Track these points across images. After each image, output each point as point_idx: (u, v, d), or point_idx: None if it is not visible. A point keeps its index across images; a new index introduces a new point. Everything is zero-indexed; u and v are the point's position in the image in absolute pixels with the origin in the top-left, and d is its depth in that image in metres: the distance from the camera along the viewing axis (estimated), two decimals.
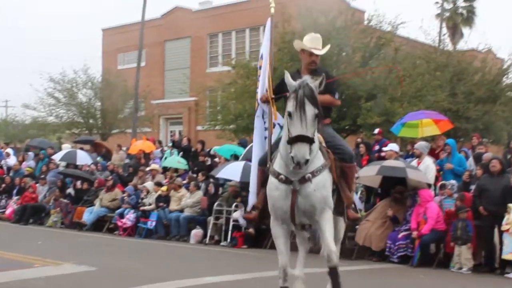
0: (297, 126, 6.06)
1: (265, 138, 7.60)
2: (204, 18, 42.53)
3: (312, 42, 7.34)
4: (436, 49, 32.21)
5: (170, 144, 22.24)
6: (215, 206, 15.51)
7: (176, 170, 18.58)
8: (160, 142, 22.30)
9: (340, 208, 7.05)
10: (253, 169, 7.71)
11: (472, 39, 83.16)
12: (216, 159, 18.47)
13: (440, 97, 24.28)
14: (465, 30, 52.10)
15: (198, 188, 16.65)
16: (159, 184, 17.67)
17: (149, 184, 17.98)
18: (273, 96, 7.39)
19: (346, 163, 7.10)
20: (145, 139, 23.04)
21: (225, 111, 26.90)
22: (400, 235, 12.60)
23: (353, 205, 7.29)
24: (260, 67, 7.90)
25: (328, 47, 7.52)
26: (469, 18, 51.98)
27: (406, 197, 13.03)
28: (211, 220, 15.54)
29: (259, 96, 7.62)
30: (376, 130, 17.56)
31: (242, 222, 14.86)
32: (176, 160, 19.01)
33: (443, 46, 36.41)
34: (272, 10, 7.82)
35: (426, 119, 15.99)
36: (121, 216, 17.53)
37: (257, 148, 7.75)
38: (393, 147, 14.26)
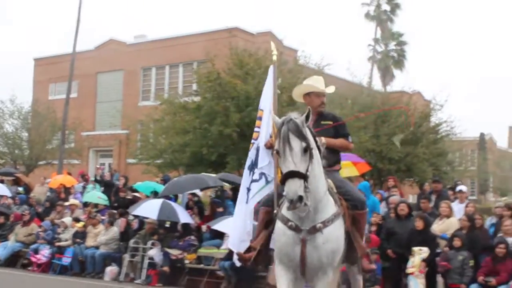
0: (286, 163, 5.71)
1: (266, 181, 7.30)
2: (138, 51, 42.58)
3: (320, 84, 7.18)
4: (362, 90, 33.02)
5: (93, 179, 21.95)
6: (131, 243, 15.40)
7: (96, 205, 18.38)
8: (83, 176, 21.95)
9: (352, 257, 6.74)
10: (240, 209, 7.52)
11: (403, 81, 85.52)
12: (138, 195, 18.37)
13: (363, 138, 24.88)
14: (396, 72, 53.93)
15: (112, 224, 16.47)
16: (76, 220, 17.42)
17: (67, 219, 17.71)
18: None
19: (358, 210, 6.70)
20: (66, 173, 22.78)
21: (149, 146, 26.86)
22: None
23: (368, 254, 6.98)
24: (260, 118, 7.58)
25: (333, 87, 7.33)
26: (399, 61, 53.67)
27: None
28: (126, 257, 15.41)
29: (262, 143, 7.27)
30: None
31: (157, 259, 14.81)
32: (97, 195, 18.79)
33: (369, 86, 37.44)
34: (274, 58, 7.66)
35: (345, 161, 16.34)
36: (36, 251, 17.16)
37: (241, 195, 7.53)
38: None
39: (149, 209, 15.08)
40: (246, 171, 7.55)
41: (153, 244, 15.06)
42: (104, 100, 44.48)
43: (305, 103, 7.17)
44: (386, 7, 52.31)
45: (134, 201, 17.72)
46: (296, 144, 5.72)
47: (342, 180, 7.01)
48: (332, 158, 6.88)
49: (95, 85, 44.93)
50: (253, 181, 7.41)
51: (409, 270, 11.82)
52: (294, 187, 5.55)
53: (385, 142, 26.91)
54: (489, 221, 13.88)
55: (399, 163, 27.42)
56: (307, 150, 5.76)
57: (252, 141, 7.55)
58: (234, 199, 16.46)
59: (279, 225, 6.23)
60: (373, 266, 7.10)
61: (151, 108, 31.58)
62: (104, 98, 44.52)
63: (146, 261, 14.97)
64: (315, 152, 6.00)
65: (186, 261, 14.92)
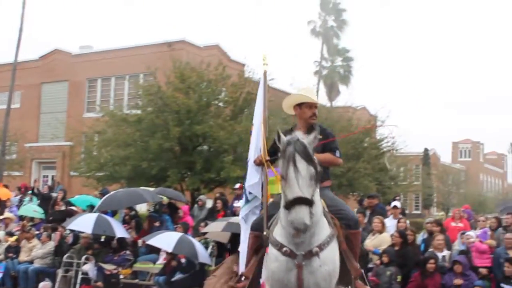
0: (292, 187, 5.29)
1: (246, 199, 7.28)
2: (84, 62, 42.06)
3: (311, 94, 6.82)
4: None
5: (30, 192, 21.56)
6: (64, 258, 15.13)
7: (32, 219, 18.04)
8: (19, 189, 21.55)
9: (345, 279, 6.35)
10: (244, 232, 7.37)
11: (349, 96, 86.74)
12: (74, 208, 18.12)
13: None
14: (342, 88, 54.59)
15: (50, 238, 16.18)
16: (10, 234, 17.05)
17: (0, 233, 17.32)
18: (267, 158, 6.78)
19: (351, 229, 6.41)
20: (1, 185, 22.29)
21: (89, 158, 26.55)
22: None
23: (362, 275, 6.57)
24: (250, 132, 7.37)
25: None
26: (346, 76, 54.34)
27: None
28: (60, 272, 15.14)
29: (251, 160, 7.08)
30: (237, 185, 17.86)
31: (91, 275, 14.59)
32: (32, 209, 18.46)
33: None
34: (265, 68, 7.37)
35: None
36: None
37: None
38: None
39: (83, 223, 14.83)
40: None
41: (87, 258, 14.82)
42: (48, 111, 43.69)
43: (295, 115, 6.87)
44: (332, 23, 53.00)
45: (71, 214, 17.48)
46: (303, 167, 5.35)
47: (333, 198, 6.68)
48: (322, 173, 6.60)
49: (39, 95, 44.13)
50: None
51: None
52: (301, 215, 5.22)
53: None
54: (421, 236, 14.14)
55: (341, 178, 27.74)
56: (314, 174, 5.42)
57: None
58: (170, 213, 16.44)
59: (272, 250, 5.89)
60: (367, 287, 6.65)
61: (96, 120, 31.32)
62: (48, 109, 43.76)
63: (80, 276, 14.73)
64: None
65: (121, 276, 14.74)
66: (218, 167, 22.92)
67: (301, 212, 5.20)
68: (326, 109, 39.29)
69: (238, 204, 14.70)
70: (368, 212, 15.35)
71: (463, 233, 13.18)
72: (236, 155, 22.90)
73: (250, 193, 7.21)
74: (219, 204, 16.16)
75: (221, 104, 25.46)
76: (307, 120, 6.66)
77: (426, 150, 70.87)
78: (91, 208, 16.94)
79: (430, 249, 12.53)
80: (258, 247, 6.43)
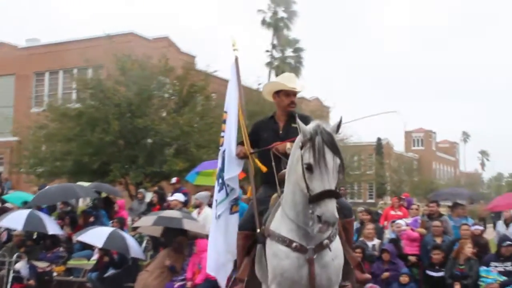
0: (319, 179, 5.04)
1: (226, 193, 6.85)
2: (31, 55, 41.36)
3: (290, 81, 6.53)
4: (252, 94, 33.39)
5: None
6: None
7: None
8: None
9: (345, 270, 5.97)
10: (212, 225, 7.02)
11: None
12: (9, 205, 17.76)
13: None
14: None
15: None
16: None
17: None
18: (251, 151, 6.51)
19: (347, 218, 6.18)
20: None
21: (30, 154, 26.08)
22: (176, 285, 12.64)
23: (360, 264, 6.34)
24: (225, 121, 6.96)
25: (303, 84, 6.86)
26: (296, 67, 54.36)
27: (185, 246, 13.15)
28: None
29: (234, 153, 6.68)
30: (174, 179, 17.74)
31: (24, 273, 14.31)
32: None
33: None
34: (236, 53, 7.11)
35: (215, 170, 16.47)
36: None
37: (213, 209, 7.03)
38: (178, 197, 14.39)
39: (14, 220, 14.46)
40: (216, 181, 7.05)
41: (19, 256, 14.51)
42: None
43: (274, 102, 6.65)
44: (282, 14, 53.00)
45: (4, 212, 17.12)
46: (331, 159, 5.09)
47: None
48: None
49: None
50: (217, 191, 6.97)
51: None
52: (332, 208, 4.96)
53: None
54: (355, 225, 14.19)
55: None
56: (340, 166, 5.18)
57: (219, 147, 7.03)
58: (106, 209, 16.24)
59: (279, 247, 5.59)
60: (368, 275, 6.51)
61: (41, 114, 30.79)
62: None
63: (11, 275, 14.43)
64: None
65: (55, 274, 14.49)
66: (161, 161, 22.73)
67: (332, 206, 4.97)
68: (264, 100, 39.24)
69: (173, 197, 14.62)
70: None
71: (393, 222, 13.27)
72: (178, 148, 22.72)
73: (228, 185, 6.86)
74: (155, 198, 16.02)
75: (166, 95, 25.27)
76: (285, 108, 6.50)
77: (379, 139, 71.66)
78: (26, 204, 16.61)
79: (361, 238, 12.59)
80: (250, 247, 6.23)
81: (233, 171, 6.71)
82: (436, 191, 28.20)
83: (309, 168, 5.10)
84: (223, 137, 6.94)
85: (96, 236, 13.23)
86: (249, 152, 6.47)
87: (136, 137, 23.33)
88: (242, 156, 6.60)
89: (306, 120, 6.01)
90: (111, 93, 23.00)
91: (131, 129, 22.70)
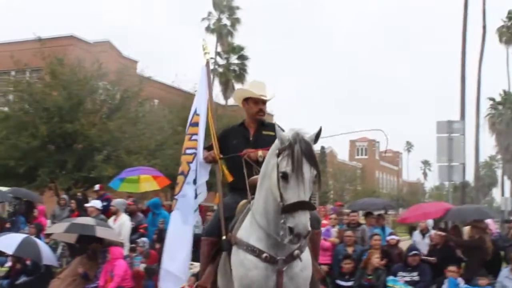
0: (295, 190, 4.85)
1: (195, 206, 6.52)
2: None
3: (259, 89, 6.34)
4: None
5: None
6: None
7: None
8: None
9: (311, 282, 5.71)
10: (185, 249, 6.50)
11: None
12: None
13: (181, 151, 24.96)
14: (237, 86, 54.75)
15: None
16: None
17: None
18: (221, 156, 6.29)
19: (314, 229, 5.65)
20: None
21: None
22: None
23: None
24: (196, 124, 6.68)
25: (274, 92, 6.45)
26: (241, 74, 54.51)
27: (99, 254, 12.99)
28: None
29: (200, 156, 6.47)
30: (97, 186, 17.57)
31: None
32: None
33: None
34: (208, 57, 6.91)
35: (145, 175, 16.39)
36: None
37: (188, 220, 6.56)
38: (95, 203, 14.23)
39: None
40: (189, 186, 6.56)
41: None
42: None
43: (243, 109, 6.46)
44: (226, 21, 53.12)
45: None
46: (308, 169, 4.91)
47: None
48: None
49: None
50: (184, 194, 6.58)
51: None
52: (305, 220, 4.78)
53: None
54: None
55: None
56: (315, 177, 5.00)
57: (192, 151, 6.63)
58: (26, 214, 15.97)
59: (247, 257, 5.35)
60: None
61: None
62: None
63: None
64: None
65: None
66: (91, 166, 22.42)
67: (305, 218, 4.79)
68: (221, 107, 39.35)
69: (89, 204, 14.45)
70: None
71: None
72: (109, 154, 22.47)
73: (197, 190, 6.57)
74: (73, 204, 15.81)
75: (100, 100, 24.97)
76: (253, 115, 6.34)
77: (322, 148, 72.36)
78: None
79: None
80: (214, 255, 6.03)
81: (203, 176, 6.53)
82: (354, 201, 28.46)
83: (284, 177, 4.91)
84: (195, 140, 6.65)
85: (8, 242, 12.90)
86: (219, 157, 6.28)
87: (65, 142, 22.96)
88: (210, 161, 6.43)
89: (275, 128, 6.00)
90: (40, 96, 22.57)
91: (60, 133, 22.33)
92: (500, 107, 61.95)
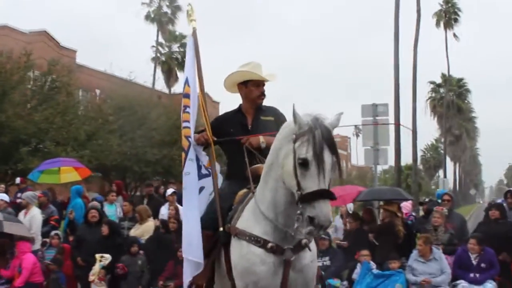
0: (315, 178, 4.44)
1: (202, 189, 5.91)
2: None
3: (258, 71, 5.84)
4: (143, 91, 33.20)
5: None
6: None
7: None
8: None
9: None
10: (195, 231, 5.63)
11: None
12: None
13: (114, 141, 24.64)
14: (180, 74, 54.37)
15: None
16: None
17: None
18: (215, 139, 5.81)
19: None
20: None
21: None
22: None
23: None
24: (187, 96, 6.04)
25: (274, 73, 5.98)
26: (184, 62, 53.93)
27: (8, 249, 12.64)
28: None
29: (191, 134, 5.83)
30: (18, 179, 17.20)
31: None
32: None
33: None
34: (194, 24, 6.32)
35: (65, 167, 16.13)
36: None
37: (192, 200, 5.80)
38: (2, 196, 13.92)
39: None
40: (191, 163, 5.85)
41: None
42: None
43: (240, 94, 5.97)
44: (166, 9, 52.60)
45: None
46: (328, 157, 4.50)
47: None
48: None
49: None
50: (203, 176, 5.96)
51: (90, 278, 11.64)
52: (327, 210, 4.41)
53: (141, 144, 26.90)
54: None
55: (156, 165, 27.52)
56: (335, 164, 4.59)
57: (186, 124, 5.91)
58: None
59: (252, 249, 4.95)
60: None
61: None
62: None
63: None
64: None
65: None
66: (17, 159, 21.91)
67: (326, 207, 4.40)
68: (164, 95, 39.01)
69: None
70: (145, 200, 15.27)
71: None
72: (36, 145, 21.99)
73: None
74: None
75: (33, 88, 24.43)
76: (255, 100, 5.87)
77: None
78: None
79: None
80: (211, 249, 5.55)
81: (203, 157, 5.96)
82: None
83: (304, 164, 4.47)
84: (188, 113, 5.96)
85: None
86: (212, 140, 5.78)
87: None
88: (202, 143, 5.84)
89: (277, 115, 5.83)
90: None
91: None
92: (441, 89, 62.93)
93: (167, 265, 11.81)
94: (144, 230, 12.86)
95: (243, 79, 5.88)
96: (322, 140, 4.47)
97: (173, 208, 13.73)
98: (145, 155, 26.78)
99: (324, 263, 11.39)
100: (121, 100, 28.88)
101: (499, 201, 14.39)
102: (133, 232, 12.86)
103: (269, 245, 4.88)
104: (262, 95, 5.88)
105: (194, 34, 6.33)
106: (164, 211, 14.02)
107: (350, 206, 15.25)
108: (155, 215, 13.83)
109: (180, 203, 14.92)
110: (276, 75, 5.98)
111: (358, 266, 11.42)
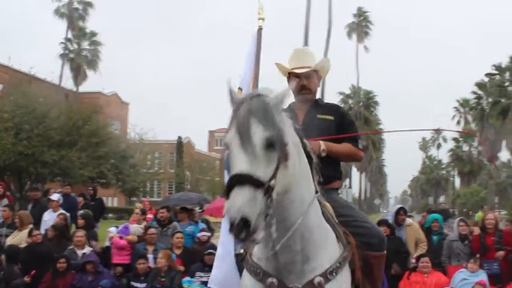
0: (235, 160, 3.22)
1: None
2: None
3: (299, 59, 4.91)
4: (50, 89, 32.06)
5: None
6: None
7: None
8: None
9: None
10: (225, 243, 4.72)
11: (100, 81, 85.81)
12: None
13: (7, 140, 23.52)
14: (90, 73, 52.95)
15: None
16: None
17: None
18: None
19: (372, 251, 4.37)
20: None
21: None
22: None
23: None
24: None
25: (321, 60, 5.01)
26: (93, 61, 52.69)
27: None
28: None
29: None
30: None
31: None
32: None
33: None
34: (261, 23, 5.44)
35: None
36: None
37: None
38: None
39: None
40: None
41: None
42: None
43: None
44: (77, 5, 51.08)
45: None
46: (258, 131, 3.22)
47: (347, 205, 4.69)
48: (328, 170, 4.46)
49: None
50: None
51: None
52: (238, 200, 3.05)
53: (38, 144, 25.79)
54: None
55: (53, 166, 26.43)
56: (273, 143, 3.23)
57: None
58: None
59: (245, 281, 3.86)
60: None
61: None
62: None
63: None
64: (295, 152, 3.55)
65: None
66: None
67: (240, 197, 3.05)
68: (72, 93, 37.78)
69: None
70: (30, 206, 14.44)
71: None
72: None
73: None
74: None
75: None
76: (297, 94, 4.80)
77: (179, 138, 71.49)
78: None
79: (71, 247, 11.78)
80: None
81: None
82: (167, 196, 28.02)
83: (227, 147, 3.35)
84: None
85: None
86: None
87: None
88: None
89: (339, 113, 4.82)
90: None
91: None
92: (350, 100, 63.98)
93: (45, 276, 11.07)
94: (22, 238, 12.04)
95: (280, 71, 5.07)
96: (249, 112, 3.30)
97: (62, 217, 12.97)
98: (42, 155, 25.64)
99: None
100: (19, 96, 27.59)
101: (387, 217, 14.35)
102: (10, 240, 12.02)
103: (268, 280, 3.68)
104: (304, 88, 4.83)
105: (259, 32, 5.49)
106: (48, 217, 13.25)
107: None
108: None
109: (70, 207, 14.42)
110: (325, 63, 5.02)
111: None
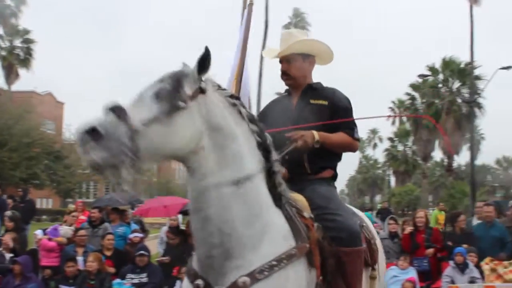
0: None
1: None
2: None
3: (283, 42, 4.43)
4: None
5: None
6: None
7: None
8: None
9: None
10: None
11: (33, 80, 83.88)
12: None
13: None
14: (22, 71, 51.65)
15: None
16: None
17: None
18: None
19: (344, 247, 3.93)
20: None
21: None
22: None
23: None
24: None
25: (304, 38, 4.45)
26: (26, 59, 51.40)
27: None
28: None
29: None
30: None
31: None
32: None
33: None
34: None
35: None
36: None
37: None
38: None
39: None
40: None
41: None
42: None
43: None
44: (9, 2, 49.80)
45: None
46: (150, 88, 3.09)
47: (330, 197, 4.17)
48: (317, 159, 4.22)
49: None
50: None
51: None
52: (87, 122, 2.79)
53: None
54: None
55: None
56: (160, 95, 3.03)
57: None
58: None
59: (183, 284, 3.66)
60: None
61: None
62: None
63: None
64: (197, 107, 3.19)
65: None
66: None
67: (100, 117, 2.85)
68: (4, 92, 36.80)
69: None
70: None
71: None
72: None
73: None
74: None
75: None
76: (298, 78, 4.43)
77: None
78: None
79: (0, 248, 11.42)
80: None
81: None
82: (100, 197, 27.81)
83: None
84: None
85: None
86: None
87: None
88: None
89: (334, 99, 4.35)
90: None
91: None
92: None
93: None
94: None
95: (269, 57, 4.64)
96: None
97: None
98: None
99: (142, 280, 10.76)
100: None
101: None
102: None
103: (197, 281, 3.44)
104: (283, 74, 4.47)
105: (250, 7, 5.13)
106: None
107: (180, 218, 14.76)
108: None
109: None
110: (307, 47, 4.46)
111: (178, 283, 10.91)
